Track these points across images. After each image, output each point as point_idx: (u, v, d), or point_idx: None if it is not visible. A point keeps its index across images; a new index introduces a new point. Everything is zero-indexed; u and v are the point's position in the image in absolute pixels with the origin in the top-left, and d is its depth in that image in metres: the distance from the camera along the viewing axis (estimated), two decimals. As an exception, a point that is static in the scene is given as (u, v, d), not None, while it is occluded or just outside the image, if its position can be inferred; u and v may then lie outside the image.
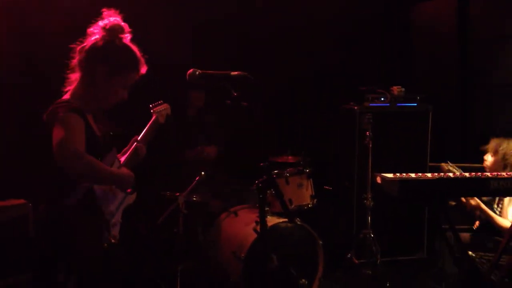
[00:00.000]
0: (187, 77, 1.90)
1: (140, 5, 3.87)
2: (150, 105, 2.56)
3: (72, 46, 2.14)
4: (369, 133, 3.89)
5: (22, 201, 3.28)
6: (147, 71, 2.18)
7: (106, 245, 2.12)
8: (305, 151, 3.94)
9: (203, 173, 3.38)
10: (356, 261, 4.07)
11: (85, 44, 2.13)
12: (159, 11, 4.11)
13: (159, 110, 2.54)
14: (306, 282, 3.31)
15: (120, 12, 2.15)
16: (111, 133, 2.24)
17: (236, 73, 1.89)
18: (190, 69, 1.93)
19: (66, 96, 2.13)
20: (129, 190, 2.28)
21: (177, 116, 4.11)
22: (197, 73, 1.89)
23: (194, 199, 3.51)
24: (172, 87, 4.02)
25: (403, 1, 5.02)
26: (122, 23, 2.14)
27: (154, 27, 3.93)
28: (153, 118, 2.50)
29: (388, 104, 4.35)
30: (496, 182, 2.20)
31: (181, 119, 4.10)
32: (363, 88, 4.38)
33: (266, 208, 3.52)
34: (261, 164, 2.00)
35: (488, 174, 2.31)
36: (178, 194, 3.34)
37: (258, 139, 4.26)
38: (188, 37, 4.21)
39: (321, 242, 3.45)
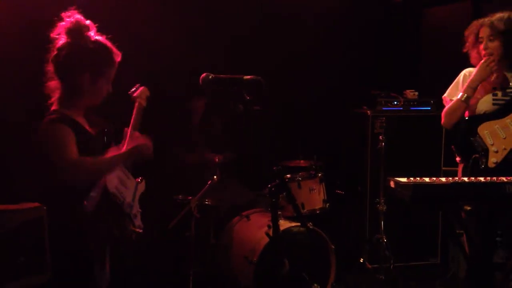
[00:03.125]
0: (200, 81, 1.90)
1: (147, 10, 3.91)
2: (129, 92, 2.49)
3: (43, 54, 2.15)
4: (382, 137, 3.88)
5: (36, 204, 3.30)
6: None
7: (134, 236, 2.15)
8: (317, 155, 3.93)
9: (215, 177, 3.39)
10: (369, 266, 4.05)
11: (54, 52, 2.13)
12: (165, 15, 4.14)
13: (139, 94, 2.46)
14: (318, 287, 3.29)
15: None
16: (105, 129, 2.25)
17: (249, 77, 1.89)
18: (202, 73, 1.93)
19: (54, 107, 2.14)
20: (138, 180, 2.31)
21: (182, 123, 4.17)
22: (210, 77, 1.89)
23: (206, 202, 3.52)
24: (175, 94, 4.05)
25: (416, 5, 5.00)
26: (84, 21, 2.13)
27: (158, 34, 3.95)
28: (136, 104, 2.44)
29: (402, 108, 4.32)
30: (512, 186, 2.18)
31: (185, 126, 4.14)
32: (376, 92, 4.36)
33: (279, 212, 3.51)
34: (274, 168, 2.00)
35: (504, 178, 2.28)
36: (190, 198, 3.35)
37: (270, 143, 4.25)
38: (191, 42, 4.23)
39: (333, 247, 3.43)
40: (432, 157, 4.25)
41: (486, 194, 2.21)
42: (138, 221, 2.24)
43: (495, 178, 2.29)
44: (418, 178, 2.28)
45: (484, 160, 2.68)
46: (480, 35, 2.84)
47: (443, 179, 2.29)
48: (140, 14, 3.96)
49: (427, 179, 2.28)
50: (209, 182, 3.39)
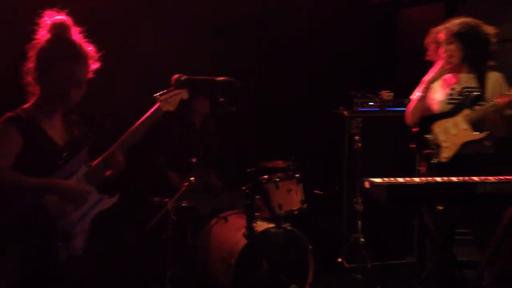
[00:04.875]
0: (172, 82, 1.89)
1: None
2: (154, 95, 2.24)
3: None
4: (358, 138, 3.91)
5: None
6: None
7: (64, 258, 2.01)
8: (295, 156, 3.94)
9: (192, 178, 3.37)
10: (347, 266, 4.07)
11: (31, 50, 2.11)
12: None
13: (166, 98, 2.19)
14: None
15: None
16: (89, 134, 2.18)
17: (222, 78, 1.89)
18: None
19: (26, 105, 2.10)
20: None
21: (183, 123, 4.14)
22: (182, 78, 1.88)
23: (184, 205, 3.49)
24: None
25: (392, 7, 5.06)
26: (64, 20, 2.10)
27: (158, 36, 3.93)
28: (156, 105, 2.19)
29: (378, 109, 4.37)
30: (483, 186, 2.21)
31: (186, 127, 4.11)
32: (352, 93, 4.40)
33: (257, 214, 3.51)
34: (248, 170, 1.99)
35: (476, 178, 2.32)
36: (167, 200, 3.32)
37: (248, 144, 4.25)
38: (184, 43, 4.21)
39: (311, 247, 3.44)
40: (407, 157, 4.30)
41: (458, 193, 2.25)
42: (78, 241, 2.09)
43: (467, 178, 2.33)
44: (393, 179, 2.30)
45: (436, 156, 2.83)
46: (439, 41, 2.99)
47: (417, 179, 2.32)
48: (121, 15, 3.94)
49: (401, 180, 2.30)
50: (185, 184, 3.36)
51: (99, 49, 2.11)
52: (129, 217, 3.85)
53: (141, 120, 2.19)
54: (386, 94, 4.44)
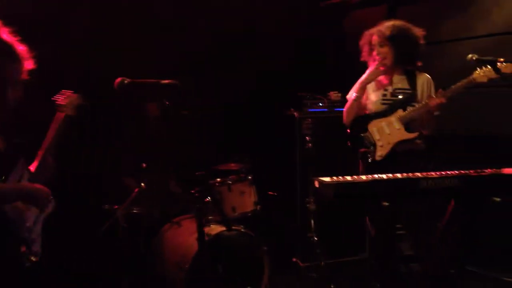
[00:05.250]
0: (115, 86, 1.85)
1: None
2: (52, 98, 2.24)
3: None
4: (309, 138, 3.98)
5: None
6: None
7: (28, 263, 1.98)
8: (247, 158, 3.95)
9: (142, 184, 3.31)
10: (302, 265, 4.12)
11: None
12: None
13: (64, 103, 2.20)
14: (252, 289, 3.31)
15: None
16: (16, 141, 2.10)
17: (166, 81, 1.86)
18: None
19: None
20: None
21: (134, 127, 4.03)
22: (125, 82, 1.84)
23: (135, 211, 3.42)
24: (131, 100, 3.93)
25: (338, 9, 5.17)
26: None
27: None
28: (59, 115, 2.17)
29: (326, 110, 4.46)
30: (425, 181, 2.30)
31: (138, 131, 4.02)
32: (302, 94, 4.47)
33: (210, 217, 3.49)
34: (197, 173, 1.98)
35: (419, 174, 2.41)
36: (116, 207, 3.24)
37: (199, 147, 4.22)
38: (129, 44, 4.13)
39: (265, 248, 3.46)
40: (356, 156, 4.40)
41: (402, 189, 2.33)
42: (36, 247, 2.07)
43: (411, 174, 2.42)
44: (341, 177, 2.35)
45: (372, 154, 2.97)
46: (372, 43, 3.12)
47: (364, 177, 2.38)
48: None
49: (348, 178, 2.36)
50: (136, 190, 3.30)
51: (32, 50, 2.04)
52: (79, 225, 3.73)
53: (47, 141, 2.19)
54: (334, 95, 4.54)
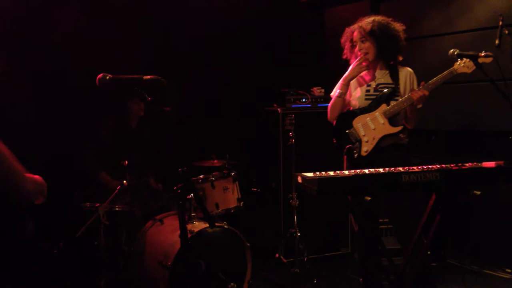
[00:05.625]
0: (97, 82, 1.81)
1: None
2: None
3: None
4: (292, 134, 3.98)
5: None
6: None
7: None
8: (231, 154, 3.94)
9: (124, 181, 3.27)
10: (285, 260, 4.13)
11: None
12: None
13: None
14: (235, 286, 3.30)
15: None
16: None
17: (149, 77, 1.83)
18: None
19: None
20: None
21: (120, 127, 3.96)
22: (107, 77, 1.81)
23: (116, 209, 3.38)
24: (113, 97, 3.87)
25: (319, 5, 5.19)
26: None
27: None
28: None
29: (310, 105, 4.47)
30: (407, 175, 2.32)
31: (122, 130, 3.95)
32: (285, 90, 4.47)
33: (193, 214, 3.47)
34: (179, 169, 1.96)
35: (400, 168, 2.42)
36: (98, 205, 3.19)
37: (182, 144, 4.20)
38: (111, 40, 4.07)
39: (248, 244, 3.46)
40: (339, 151, 4.42)
41: (385, 183, 2.34)
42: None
43: (393, 168, 2.43)
44: (324, 172, 2.35)
45: (357, 150, 2.99)
46: (354, 40, 3.12)
47: (346, 172, 2.38)
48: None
49: (331, 173, 2.36)
50: (118, 188, 3.25)
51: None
52: (59, 223, 3.68)
53: None
54: (318, 91, 4.55)
